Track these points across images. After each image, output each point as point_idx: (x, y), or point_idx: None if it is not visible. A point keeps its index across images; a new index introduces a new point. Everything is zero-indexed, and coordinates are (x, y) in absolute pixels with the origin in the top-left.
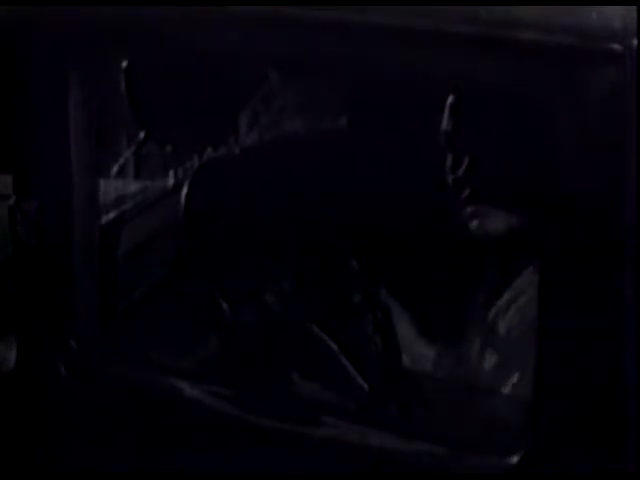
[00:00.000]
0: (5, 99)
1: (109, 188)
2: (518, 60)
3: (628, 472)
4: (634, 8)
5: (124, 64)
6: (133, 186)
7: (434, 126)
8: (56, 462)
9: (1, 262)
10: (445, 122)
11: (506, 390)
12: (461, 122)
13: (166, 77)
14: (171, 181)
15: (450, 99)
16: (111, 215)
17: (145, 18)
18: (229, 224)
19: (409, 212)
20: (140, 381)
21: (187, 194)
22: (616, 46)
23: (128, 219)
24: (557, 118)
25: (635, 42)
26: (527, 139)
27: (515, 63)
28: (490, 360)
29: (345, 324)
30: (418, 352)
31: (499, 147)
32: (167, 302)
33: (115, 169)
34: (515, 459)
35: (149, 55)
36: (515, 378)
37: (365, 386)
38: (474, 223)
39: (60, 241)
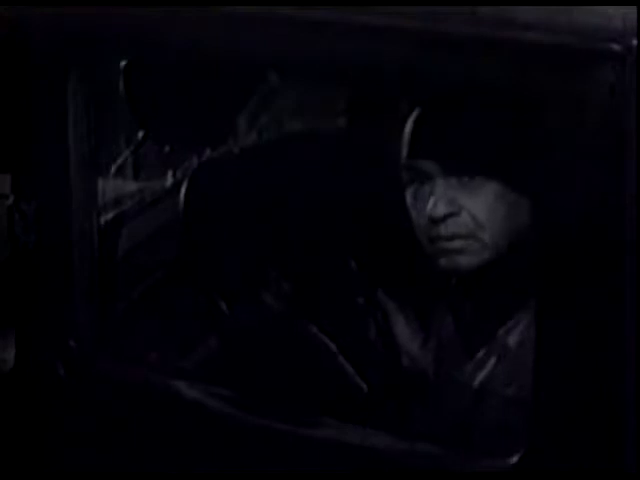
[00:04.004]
0: (4, 99)
1: (108, 188)
2: (518, 60)
3: (628, 472)
4: (634, 8)
5: (123, 64)
6: (132, 186)
7: None
8: (56, 462)
9: (0, 262)
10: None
11: (505, 390)
12: (461, 123)
13: (165, 77)
14: (170, 181)
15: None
16: (110, 215)
17: (145, 18)
18: (228, 224)
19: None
20: (139, 381)
21: (186, 194)
22: (616, 46)
23: (127, 219)
24: (557, 118)
25: (635, 42)
26: (526, 138)
27: (515, 63)
28: (489, 361)
29: (345, 324)
30: (417, 352)
31: (498, 147)
32: (167, 302)
33: (114, 169)
34: (514, 459)
35: (148, 55)
36: (514, 378)
37: (364, 386)
38: (442, 260)
39: (59, 241)
